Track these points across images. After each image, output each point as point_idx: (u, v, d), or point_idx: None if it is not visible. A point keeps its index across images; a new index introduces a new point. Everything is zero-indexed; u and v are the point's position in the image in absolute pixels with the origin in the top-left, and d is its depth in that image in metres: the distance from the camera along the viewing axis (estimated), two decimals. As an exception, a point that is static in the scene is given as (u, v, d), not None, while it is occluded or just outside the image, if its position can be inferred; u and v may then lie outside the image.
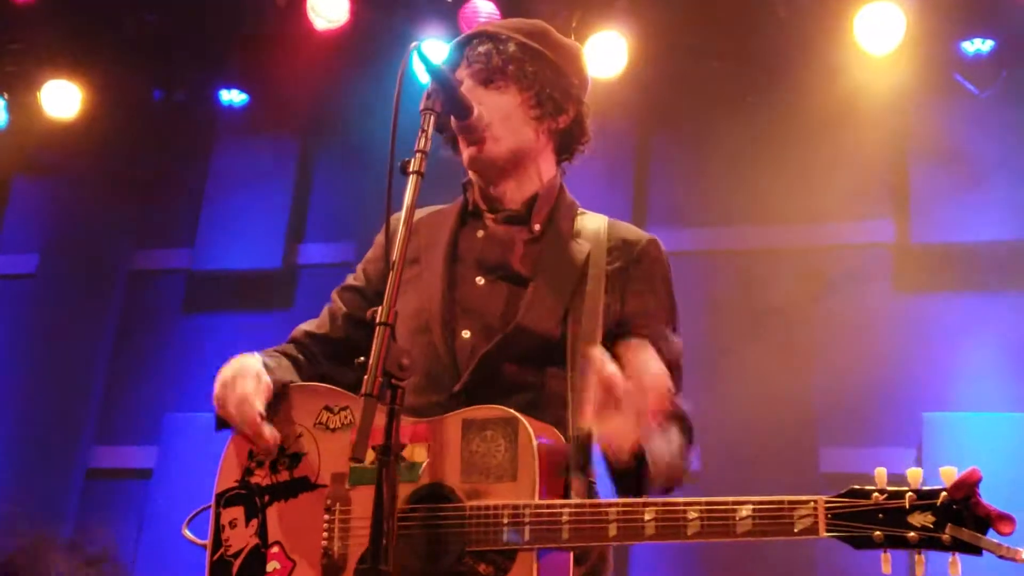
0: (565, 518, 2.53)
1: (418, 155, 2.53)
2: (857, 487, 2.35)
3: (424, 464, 2.55)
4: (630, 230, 3.04)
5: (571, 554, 2.64)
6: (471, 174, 3.07)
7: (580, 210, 3.09)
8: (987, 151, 6.92)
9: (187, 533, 2.84)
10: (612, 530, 2.49)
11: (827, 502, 2.34)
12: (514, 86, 2.98)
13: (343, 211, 7.72)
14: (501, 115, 2.95)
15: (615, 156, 7.48)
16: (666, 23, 7.23)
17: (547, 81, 3.01)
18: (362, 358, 2.32)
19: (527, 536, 2.54)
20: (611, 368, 2.43)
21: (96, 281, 8.25)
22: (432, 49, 2.86)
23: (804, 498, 2.36)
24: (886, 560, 2.30)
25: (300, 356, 3.08)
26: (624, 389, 2.41)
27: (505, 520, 2.56)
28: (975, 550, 2.22)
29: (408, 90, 2.61)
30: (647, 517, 2.45)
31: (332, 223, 7.91)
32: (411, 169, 2.52)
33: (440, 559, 2.58)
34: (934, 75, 7.07)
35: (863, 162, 6.93)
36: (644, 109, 7.58)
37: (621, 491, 2.63)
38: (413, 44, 2.62)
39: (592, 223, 3.03)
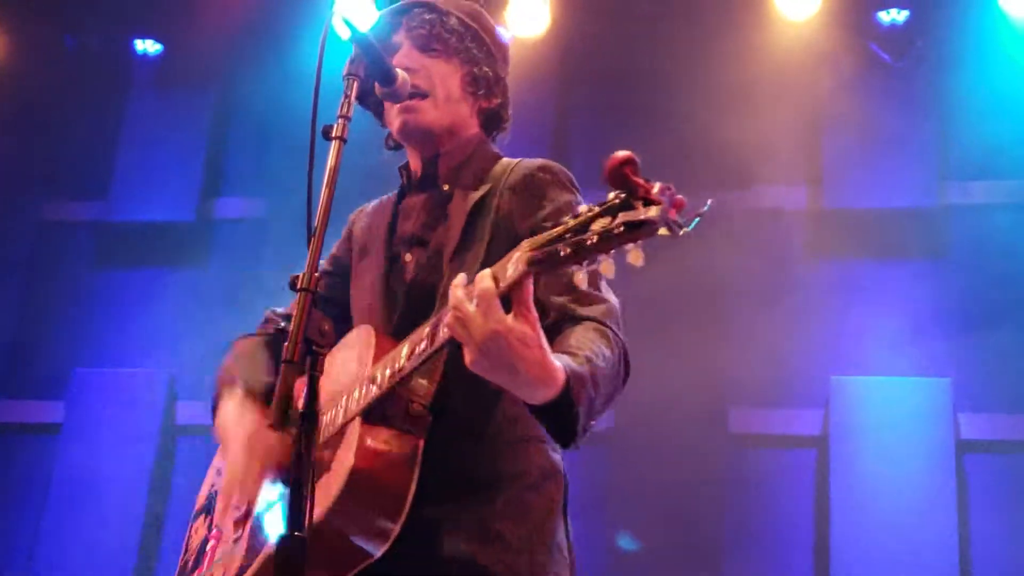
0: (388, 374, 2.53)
1: (341, 120, 2.48)
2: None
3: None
4: (528, 163, 2.93)
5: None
6: (407, 149, 3.04)
7: (502, 160, 2.99)
8: (899, 120, 7.03)
9: None
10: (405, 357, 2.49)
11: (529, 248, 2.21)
12: (455, 58, 2.98)
13: (258, 165, 7.63)
14: (440, 80, 2.94)
15: (536, 117, 7.46)
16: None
17: (483, 61, 3.02)
18: (283, 324, 2.30)
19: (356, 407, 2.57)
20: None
21: (4, 232, 8.07)
22: (354, 9, 2.79)
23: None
24: (578, 275, 2.15)
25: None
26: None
27: (343, 404, 2.62)
28: (645, 224, 2.07)
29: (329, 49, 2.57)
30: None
31: (247, 178, 7.80)
32: (334, 135, 2.47)
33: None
34: (850, 44, 7.16)
35: (778, 128, 6.99)
36: (565, 70, 7.58)
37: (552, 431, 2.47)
38: (335, 8, 2.57)
39: (500, 167, 2.95)
